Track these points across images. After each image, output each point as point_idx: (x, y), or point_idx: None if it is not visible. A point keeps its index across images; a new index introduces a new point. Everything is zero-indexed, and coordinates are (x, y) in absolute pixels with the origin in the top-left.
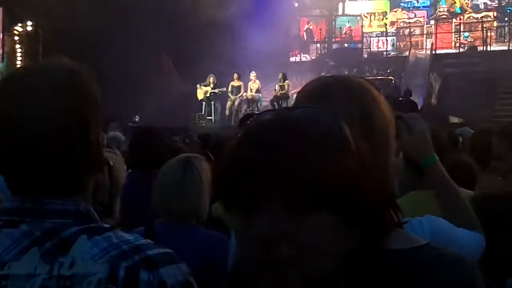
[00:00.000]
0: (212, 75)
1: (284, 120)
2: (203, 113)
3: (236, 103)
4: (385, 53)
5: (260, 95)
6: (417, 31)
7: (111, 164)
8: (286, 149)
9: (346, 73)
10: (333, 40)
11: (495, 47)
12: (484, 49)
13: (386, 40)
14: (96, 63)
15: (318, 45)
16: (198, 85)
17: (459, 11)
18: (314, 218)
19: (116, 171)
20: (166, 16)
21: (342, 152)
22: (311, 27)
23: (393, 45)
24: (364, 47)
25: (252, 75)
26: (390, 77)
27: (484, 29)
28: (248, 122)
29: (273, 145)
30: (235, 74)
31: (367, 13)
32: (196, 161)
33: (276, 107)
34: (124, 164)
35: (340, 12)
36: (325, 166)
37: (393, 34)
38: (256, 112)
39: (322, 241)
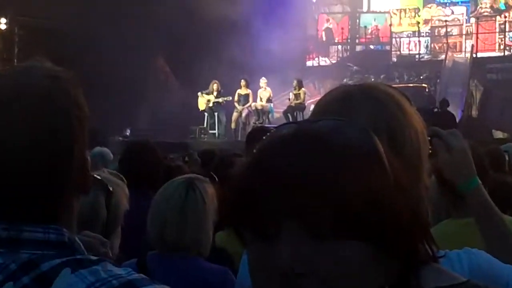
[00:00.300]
0: (216, 81)
1: (306, 135)
2: (205, 126)
3: (243, 115)
4: (417, 56)
5: (272, 105)
6: (455, 30)
7: (110, 189)
8: (310, 168)
9: (372, 80)
10: (357, 41)
11: None
12: None
13: (419, 41)
14: (82, 67)
15: (339, 47)
16: (199, 93)
17: (503, 8)
18: (341, 248)
19: (116, 198)
20: (163, 14)
21: (374, 170)
22: (331, 26)
23: (426, 47)
24: (393, 49)
25: (263, 81)
26: (423, 85)
27: None
28: (263, 137)
29: (294, 164)
30: (242, 81)
31: (397, 10)
32: (200, 183)
33: (291, 118)
34: (126, 189)
35: (365, 8)
36: (355, 187)
37: (427, 34)
38: (267, 125)
39: (348, 276)
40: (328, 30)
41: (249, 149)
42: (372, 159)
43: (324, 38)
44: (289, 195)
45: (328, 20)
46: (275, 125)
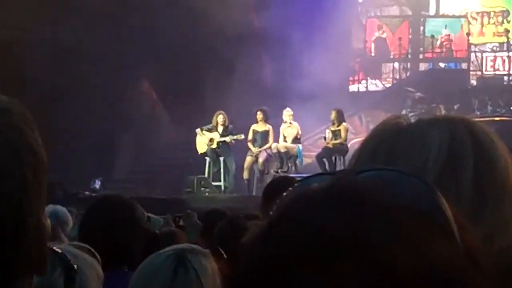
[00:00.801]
0: (222, 112)
1: (345, 192)
2: (206, 175)
3: (260, 160)
4: (506, 78)
5: (301, 146)
6: None
7: (74, 267)
8: (351, 239)
9: (442, 111)
10: (421, 56)
11: None
12: None
13: (509, 57)
14: (36, 95)
15: (396, 64)
16: (198, 130)
17: None
18: None
19: (82, 279)
20: (149, 21)
21: (439, 243)
22: (384, 35)
23: None
24: (472, 68)
25: (287, 114)
26: None
27: None
28: (284, 195)
29: (327, 234)
30: (259, 112)
31: (477, 13)
32: (194, 257)
33: (327, 165)
34: (99, 268)
35: (432, 11)
36: (411, 264)
37: None
38: (293, 175)
39: None
40: (380, 41)
41: (267, 210)
42: (436, 227)
43: (374, 53)
44: (320, 278)
45: (380, 27)
46: (304, 175)
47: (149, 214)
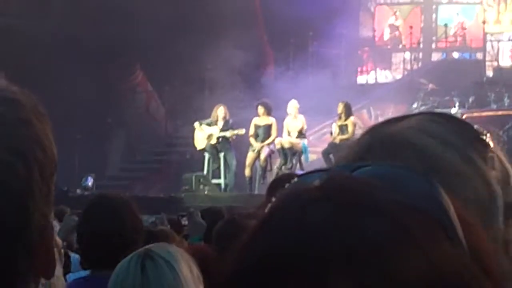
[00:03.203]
0: (222, 105)
1: (338, 191)
2: (205, 172)
3: (262, 156)
4: None
5: (306, 141)
6: None
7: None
8: (347, 242)
9: (457, 103)
10: (433, 46)
11: None
12: None
13: None
14: (25, 87)
15: (407, 54)
16: (196, 124)
17: None
18: None
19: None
20: (143, 6)
21: (444, 245)
22: (395, 23)
23: None
24: (487, 58)
25: (292, 106)
26: None
27: None
28: (279, 192)
29: (321, 236)
30: (259, 106)
31: None
32: (161, 248)
33: (333, 162)
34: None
35: None
36: (418, 271)
37: None
38: (298, 172)
39: None
40: (390, 30)
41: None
42: (441, 227)
43: (384, 42)
44: (315, 283)
45: (390, 15)
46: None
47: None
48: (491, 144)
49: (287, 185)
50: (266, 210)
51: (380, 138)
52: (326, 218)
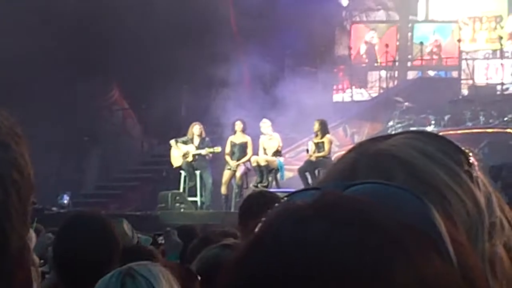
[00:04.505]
0: (198, 123)
1: (333, 209)
2: (181, 190)
3: (238, 174)
4: (499, 87)
5: (282, 159)
6: None
7: None
8: (342, 260)
9: (432, 121)
10: (409, 64)
11: None
12: None
13: (502, 65)
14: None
15: (383, 72)
16: (172, 142)
17: None
18: None
19: None
20: (120, 23)
21: (437, 263)
22: (371, 41)
23: None
24: (463, 77)
25: (265, 125)
26: (508, 130)
27: None
28: (269, 211)
29: (316, 255)
30: (237, 123)
31: (469, 18)
32: (142, 267)
33: (309, 180)
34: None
35: (421, 16)
36: (406, 285)
37: None
38: (273, 190)
39: None
40: (366, 48)
41: (244, 227)
42: (434, 245)
43: (360, 60)
44: None
45: (366, 33)
46: (287, 190)
47: (139, 234)
48: (476, 164)
49: (267, 204)
50: (256, 229)
51: (367, 155)
52: (320, 236)
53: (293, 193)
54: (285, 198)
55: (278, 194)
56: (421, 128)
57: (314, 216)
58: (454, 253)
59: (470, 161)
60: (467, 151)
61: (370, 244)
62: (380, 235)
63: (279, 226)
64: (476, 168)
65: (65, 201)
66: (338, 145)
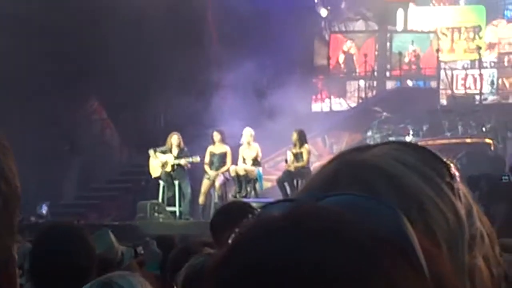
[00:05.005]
0: (176, 133)
1: (306, 220)
2: (160, 200)
3: (217, 184)
4: (478, 97)
5: (261, 169)
6: None
7: None
8: (316, 273)
9: (411, 131)
10: (388, 74)
11: None
12: None
13: (481, 75)
14: None
15: (361, 82)
16: (151, 152)
17: None
18: None
19: None
20: (98, 33)
21: (408, 274)
22: (349, 51)
23: (492, 83)
24: (441, 86)
25: (247, 134)
26: (487, 140)
27: None
28: (243, 222)
29: (289, 268)
30: (215, 133)
31: (447, 29)
32: (121, 278)
33: (288, 190)
34: None
35: (399, 27)
36: None
37: (493, 65)
38: (249, 200)
39: None
40: (344, 58)
41: (217, 238)
42: (406, 256)
43: (338, 70)
44: None
45: (344, 43)
46: (265, 200)
47: (121, 247)
48: (457, 175)
49: (247, 213)
50: (230, 240)
51: (349, 164)
52: (292, 247)
53: (268, 204)
54: (260, 210)
55: (257, 204)
56: (400, 138)
57: (287, 228)
58: (426, 263)
59: (452, 172)
60: (448, 162)
61: (341, 255)
62: (351, 246)
63: (252, 237)
64: (458, 179)
65: (44, 211)
66: (316, 155)
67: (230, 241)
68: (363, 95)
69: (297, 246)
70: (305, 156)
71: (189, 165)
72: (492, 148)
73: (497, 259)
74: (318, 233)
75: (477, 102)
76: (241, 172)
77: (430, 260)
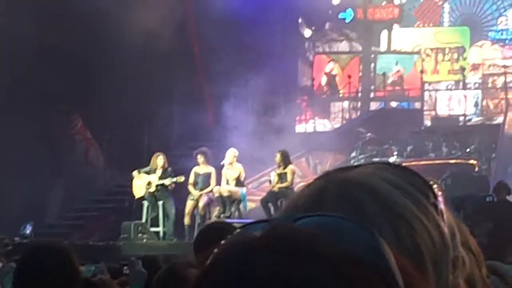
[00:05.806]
0: (161, 154)
1: (281, 241)
2: (144, 220)
3: (201, 204)
4: (462, 118)
5: (245, 189)
6: None
7: None
8: None
9: (395, 152)
10: (372, 95)
11: None
12: None
13: (465, 96)
14: None
15: (345, 103)
16: (135, 172)
17: None
18: None
19: None
20: (80, 49)
21: None
22: (333, 73)
23: (476, 104)
24: (426, 108)
25: (230, 155)
26: (471, 161)
27: None
28: (221, 243)
29: (265, 284)
30: (199, 155)
31: (431, 49)
32: None
33: (272, 211)
34: None
35: (383, 47)
36: None
37: (477, 86)
38: (231, 220)
39: None
40: (328, 79)
41: (199, 258)
42: (382, 277)
43: (323, 91)
44: None
45: (328, 64)
46: (247, 221)
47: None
48: (440, 196)
49: (227, 233)
50: (208, 261)
51: (335, 182)
52: (267, 268)
53: (246, 225)
54: (238, 230)
55: (240, 224)
56: (384, 159)
57: (262, 249)
58: (404, 284)
59: (436, 193)
60: (432, 183)
61: (316, 277)
62: (327, 268)
63: (227, 258)
64: (441, 200)
65: (28, 231)
66: (300, 175)
67: (207, 262)
68: (347, 116)
69: (271, 266)
70: (289, 177)
71: (173, 185)
72: (476, 169)
73: (483, 281)
74: (292, 256)
75: (461, 123)
76: (225, 193)
77: (409, 281)
